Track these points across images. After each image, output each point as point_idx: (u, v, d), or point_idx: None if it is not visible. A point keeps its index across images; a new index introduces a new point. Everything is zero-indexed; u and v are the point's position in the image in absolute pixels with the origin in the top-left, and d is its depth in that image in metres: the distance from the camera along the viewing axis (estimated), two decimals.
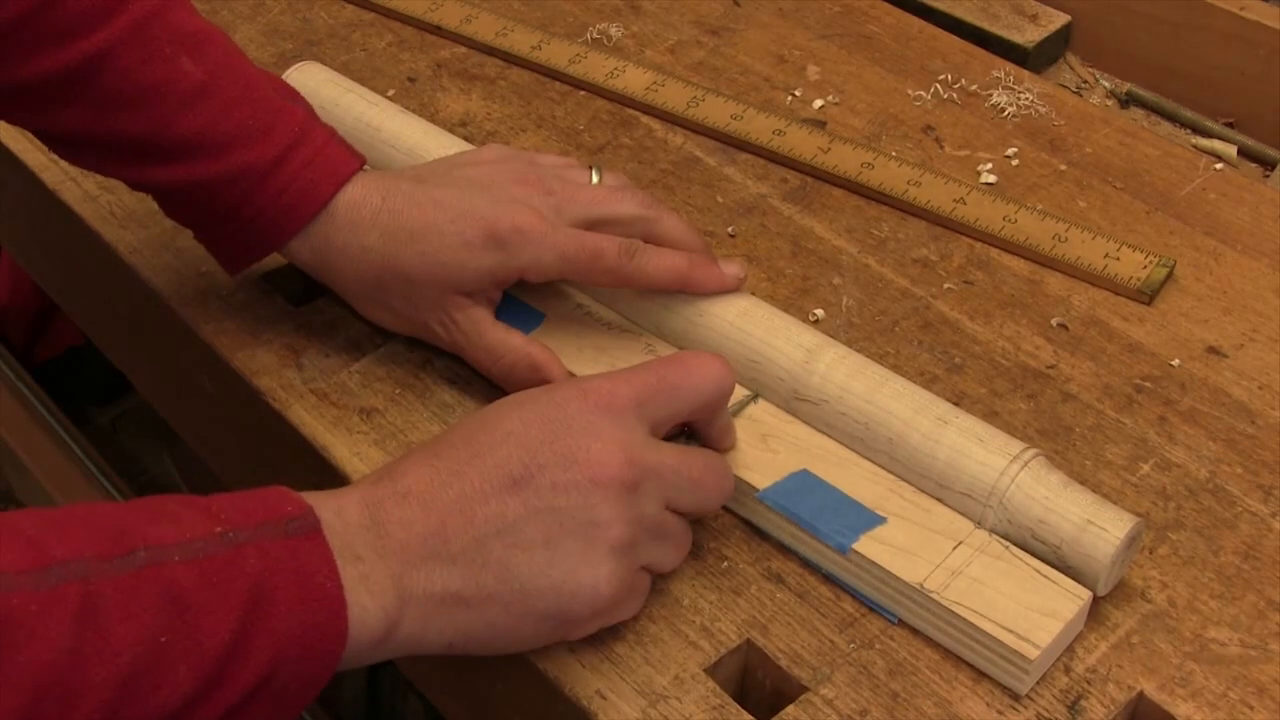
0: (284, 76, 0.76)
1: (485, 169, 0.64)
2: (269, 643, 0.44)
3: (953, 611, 0.54)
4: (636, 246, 0.62)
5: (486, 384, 0.65)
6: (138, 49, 0.59)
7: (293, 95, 0.64)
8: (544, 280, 0.64)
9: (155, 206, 0.72)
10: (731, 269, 0.64)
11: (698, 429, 0.58)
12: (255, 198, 0.61)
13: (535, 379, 0.62)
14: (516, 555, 0.50)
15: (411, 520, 0.49)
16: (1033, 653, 0.52)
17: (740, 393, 0.62)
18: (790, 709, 0.53)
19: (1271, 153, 0.88)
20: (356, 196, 0.62)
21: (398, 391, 0.64)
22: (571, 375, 0.63)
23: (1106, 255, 0.73)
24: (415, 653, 0.50)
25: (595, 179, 0.66)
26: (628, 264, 0.62)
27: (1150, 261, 0.73)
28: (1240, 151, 0.88)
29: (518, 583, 0.50)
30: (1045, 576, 0.55)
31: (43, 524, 0.43)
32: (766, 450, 0.59)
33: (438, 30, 0.88)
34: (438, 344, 0.65)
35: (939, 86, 0.87)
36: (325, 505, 0.48)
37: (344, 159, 0.62)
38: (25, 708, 0.40)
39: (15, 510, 0.44)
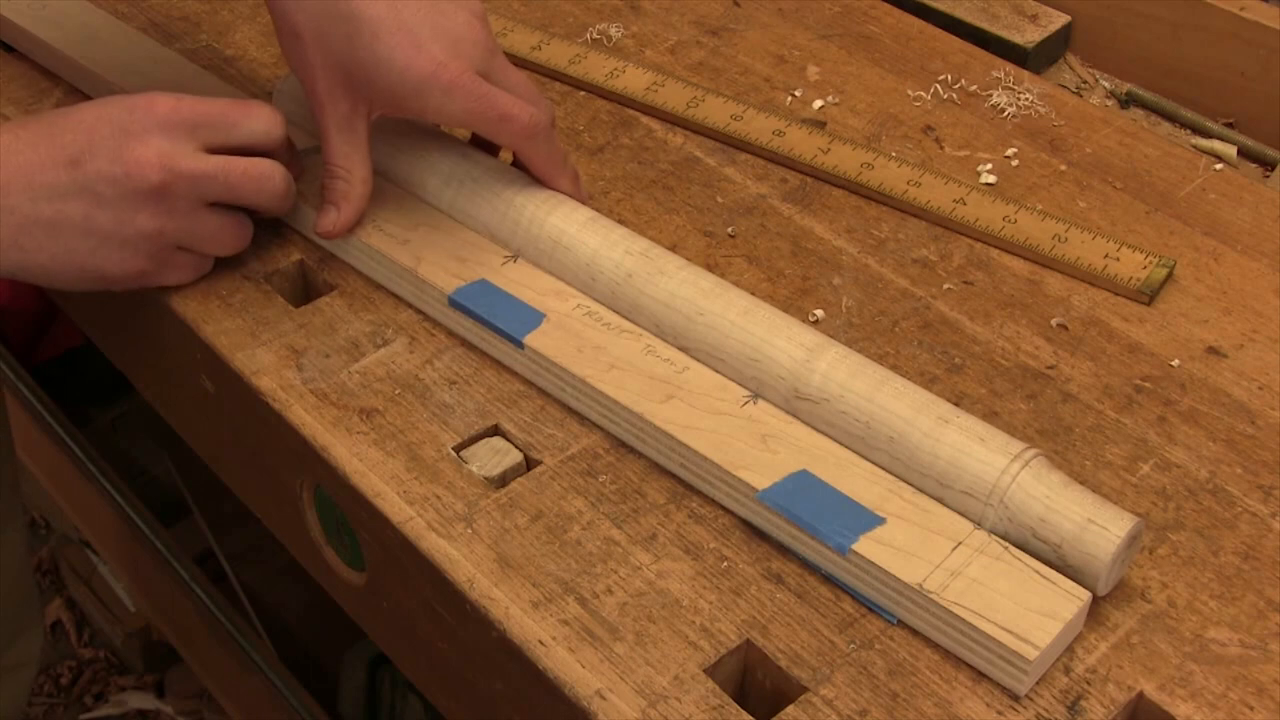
0: (282, 80, 0.76)
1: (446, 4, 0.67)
2: None
3: (952, 612, 0.54)
4: (542, 128, 0.67)
5: (487, 386, 0.65)
6: None
7: None
8: (448, 125, 0.70)
9: None
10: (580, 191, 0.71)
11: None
12: None
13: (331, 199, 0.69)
14: (61, 220, 0.62)
15: None
16: (1032, 653, 0.52)
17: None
18: (790, 709, 0.53)
19: (1271, 153, 0.88)
20: None
21: (398, 392, 0.64)
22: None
23: (1106, 255, 0.73)
24: None
25: None
26: (527, 142, 0.67)
27: (1150, 262, 0.73)
28: (1240, 152, 0.88)
29: (62, 242, 0.62)
30: (1044, 577, 0.55)
31: None
32: (766, 450, 0.59)
33: None
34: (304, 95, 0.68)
35: (939, 87, 0.87)
36: None
37: None
38: None
39: None
